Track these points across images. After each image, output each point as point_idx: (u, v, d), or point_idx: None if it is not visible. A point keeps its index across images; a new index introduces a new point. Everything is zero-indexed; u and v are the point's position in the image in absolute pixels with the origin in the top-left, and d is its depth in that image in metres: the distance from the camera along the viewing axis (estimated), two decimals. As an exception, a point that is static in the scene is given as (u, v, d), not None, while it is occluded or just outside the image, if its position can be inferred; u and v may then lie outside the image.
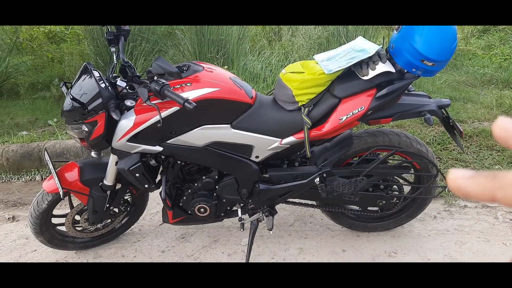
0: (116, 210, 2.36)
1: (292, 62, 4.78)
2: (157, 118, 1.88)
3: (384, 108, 1.99)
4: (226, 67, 4.16)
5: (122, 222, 2.56)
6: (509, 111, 3.77)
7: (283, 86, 2.02)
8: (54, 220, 2.35)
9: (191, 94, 1.87)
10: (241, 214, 2.24)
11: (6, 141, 3.86)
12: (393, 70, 1.92)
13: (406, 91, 2.07)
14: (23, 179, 3.63)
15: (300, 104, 1.99)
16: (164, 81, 1.80)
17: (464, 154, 3.18)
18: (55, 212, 2.32)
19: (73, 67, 5.46)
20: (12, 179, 3.64)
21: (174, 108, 1.87)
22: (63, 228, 2.37)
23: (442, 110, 2.10)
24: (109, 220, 2.43)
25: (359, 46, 2.01)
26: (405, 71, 1.94)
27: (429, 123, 1.97)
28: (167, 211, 2.24)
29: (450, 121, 2.09)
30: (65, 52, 5.83)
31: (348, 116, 1.94)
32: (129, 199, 2.44)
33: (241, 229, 2.23)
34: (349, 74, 1.97)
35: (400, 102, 2.02)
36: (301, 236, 2.51)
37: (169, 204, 2.14)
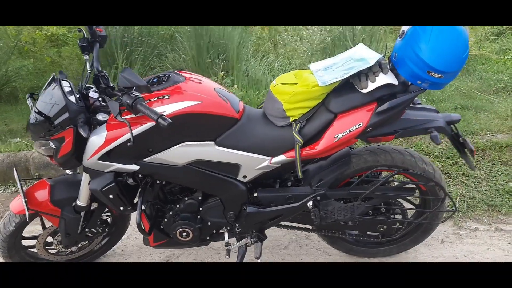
0: (94, 230, 2.17)
1: (295, 68, 4.59)
2: (134, 132, 1.69)
3: (386, 124, 1.78)
4: (222, 73, 3.95)
5: (102, 243, 2.36)
6: (525, 122, 3.52)
7: (273, 99, 1.81)
8: (25, 242, 2.16)
9: (169, 108, 1.68)
10: (228, 238, 2.04)
11: (-6, 150, 3.70)
12: (396, 82, 1.70)
13: (411, 105, 1.85)
14: (10, 190, 3.46)
15: (291, 119, 1.79)
16: (137, 94, 1.60)
17: (476, 170, 2.94)
18: (26, 233, 2.13)
19: (71, 71, 5.33)
20: (-2, 189, 3.48)
21: (150, 124, 1.68)
22: (36, 250, 2.19)
23: (452, 126, 1.88)
24: (86, 241, 2.23)
25: (358, 55, 1.80)
26: (410, 83, 1.73)
27: (436, 141, 1.75)
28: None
29: (460, 138, 1.86)
30: (64, 56, 5.70)
31: (344, 134, 1.73)
32: (108, 219, 2.24)
33: (227, 256, 2.02)
34: (346, 86, 1.76)
35: (404, 117, 1.80)
36: (295, 261, 2.30)
37: (146, 229, 1.94)
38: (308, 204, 1.88)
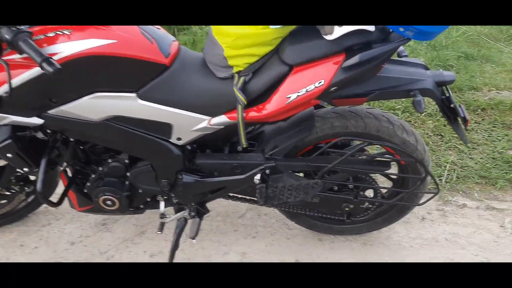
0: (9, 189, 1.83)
1: None
2: (22, 78, 1.30)
3: (356, 82, 1.37)
4: None
5: (28, 200, 2.02)
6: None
7: (213, 42, 1.39)
8: None
9: (68, 47, 1.27)
10: (165, 208, 1.71)
11: None
12: (372, 29, 1.28)
13: (395, 57, 1.44)
14: None
15: (234, 70, 1.38)
16: (23, 27, 1.19)
17: (472, 132, 2.55)
18: None
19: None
20: None
21: None
22: None
23: (442, 88, 1.47)
24: (5, 200, 1.91)
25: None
26: (390, 30, 1.30)
27: (418, 109, 1.35)
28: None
29: (452, 104, 1.46)
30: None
31: (300, 94, 1.33)
32: (29, 176, 1.89)
33: (159, 231, 1.70)
34: (308, 30, 1.34)
35: (381, 74, 1.39)
36: (249, 234, 1.98)
37: (52, 200, 1.61)
38: (254, 178, 1.52)
